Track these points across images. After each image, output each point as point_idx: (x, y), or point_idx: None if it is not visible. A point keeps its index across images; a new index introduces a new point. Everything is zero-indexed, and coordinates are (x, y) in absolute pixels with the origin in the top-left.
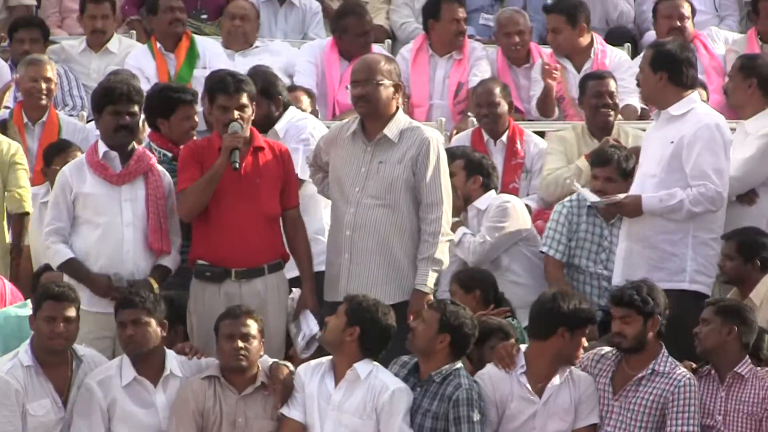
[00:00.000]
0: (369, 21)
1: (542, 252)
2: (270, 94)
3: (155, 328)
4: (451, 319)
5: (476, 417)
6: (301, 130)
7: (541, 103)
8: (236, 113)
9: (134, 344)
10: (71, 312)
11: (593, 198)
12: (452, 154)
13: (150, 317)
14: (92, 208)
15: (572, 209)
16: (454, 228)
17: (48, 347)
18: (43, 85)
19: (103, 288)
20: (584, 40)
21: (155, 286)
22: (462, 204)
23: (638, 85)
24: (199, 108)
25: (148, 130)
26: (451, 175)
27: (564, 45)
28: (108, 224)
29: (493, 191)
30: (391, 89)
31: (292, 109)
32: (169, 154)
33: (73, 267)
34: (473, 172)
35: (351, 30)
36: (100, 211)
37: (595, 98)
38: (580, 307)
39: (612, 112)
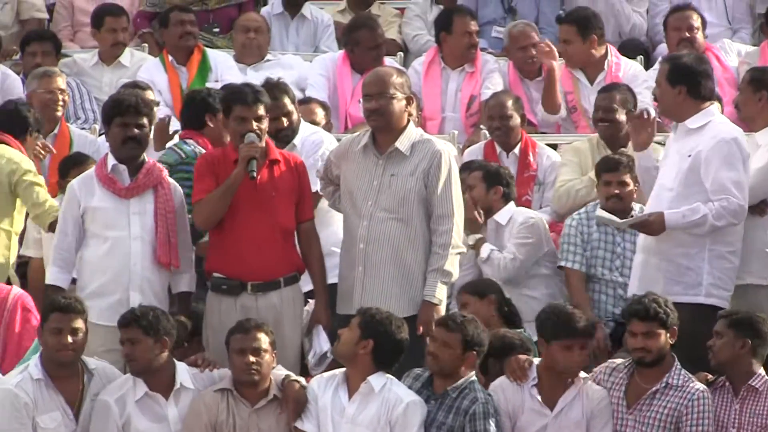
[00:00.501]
0: (381, 34)
1: (560, 267)
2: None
3: (152, 347)
4: (474, 338)
5: (492, 430)
6: (316, 145)
7: (546, 96)
8: (254, 124)
9: (132, 363)
10: (78, 323)
11: (618, 221)
12: (468, 167)
13: (146, 336)
14: (101, 222)
15: (581, 220)
16: (478, 245)
17: (56, 359)
18: (59, 96)
19: None
20: (597, 52)
21: (185, 322)
22: (482, 219)
23: (655, 99)
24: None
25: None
26: (470, 188)
27: (575, 56)
28: (116, 238)
29: (512, 203)
30: (403, 102)
31: (303, 122)
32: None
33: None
34: (493, 183)
35: (363, 43)
36: (109, 224)
37: (596, 112)
38: (559, 322)
39: (611, 125)
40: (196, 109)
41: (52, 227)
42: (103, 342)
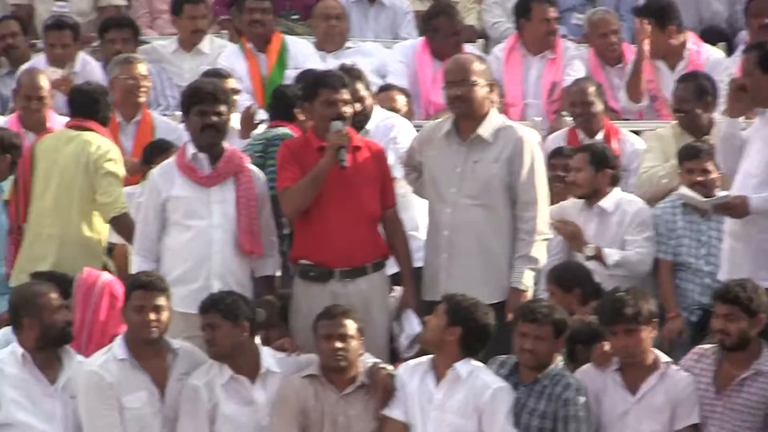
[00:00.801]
0: (460, 21)
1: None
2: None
3: (231, 331)
4: (562, 323)
5: (583, 414)
6: (389, 128)
7: (630, 84)
8: (341, 107)
9: (212, 348)
10: (161, 301)
11: (701, 199)
12: (558, 152)
13: (225, 320)
14: (182, 211)
15: (666, 209)
16: (599, 253)
17: (139, 337)
18: (141, 82)
19: None
20: (676, 41)
21: (273, 301)
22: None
23: (735, 87)
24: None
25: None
26: (577, 170)
27: (654, 48)
28: (197, 227)
29: (617, 189)
30: (486, 89)
31: (378, 108)
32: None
33: None
34: (601, 166)
35: (442, 30)
36: (190, 213)
37: (673, 102)
38: (605, 307)
39: (686, 116)
40: (286, 102)
41: (113, 222)
42: (185, 329)
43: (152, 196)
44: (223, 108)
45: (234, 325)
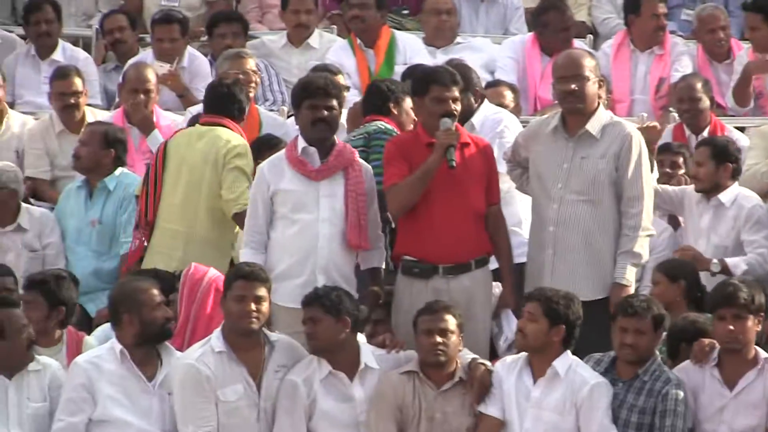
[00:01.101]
0: (570, 16)
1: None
2: (468, 86)
3: (333, 326)
4: (661, 316)
5: (681, 409)
6: (496, 123)
7: (738, 90)
8: (451, 105)
9: (313, 341)
10: (262, 291)
11: None
12: (667, 148)
13: (327, 314)
14: (290, 205)
15: None
16: (724, 265)
17: (239, 327)
18: (252, 78)
19: None
20: None
21: (379, 292)
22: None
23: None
24: None
25: None
26: (699, 164)
27: (762, 42)
28: (304, 220)
29: (736, 183)
30: (596, 85)
31: (487, 102)
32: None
33: None
34: (722, 160)
35: (551, 25)
36: (298, 207)
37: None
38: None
39: None
40: (382, 97)
41: (235, 218)
42: (290, 323)
43: (261, 190)
44: (334, 102)
45: (336, 320)
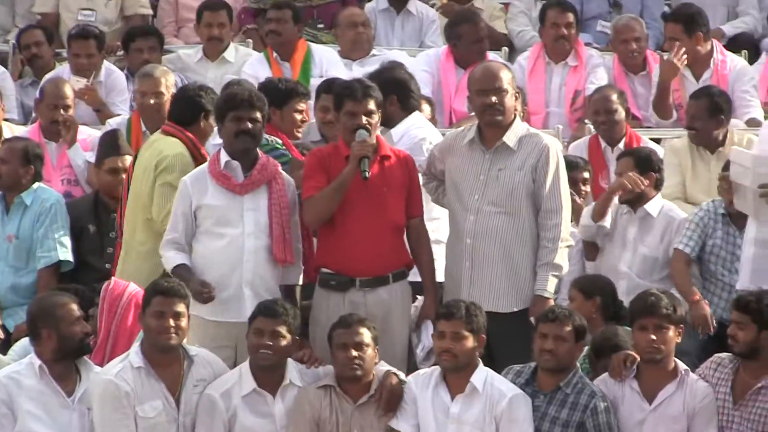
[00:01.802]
0: (483, 28)
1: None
2: (403, 94)
3: (289, 343)
4: (582, 327)
5: (613, 421)
6: (414, 140)
7: (658, 103)
8: (364, 119)
9: (268, 356)
10: (180, 307)
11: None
12: (574, 165)
13: (288, 332)
14: (214, 219)
15: (708, 213)
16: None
17: (158, 343)
18: (152, 101)
19: (195, 292)
20: (702, 49)
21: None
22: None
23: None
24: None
25: None
26: (620, 176)
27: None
28: (229, 235)
29: (659, 195)
30: (513, 97)
31: (417, 115)
32: (280, 141)
33: (180, 273)
34: (646, 169)
35: (465, 37)
36: (222, 221)
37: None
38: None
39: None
40: (191, 107)
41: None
42: (214, 338)
43: (183, 203)
44: (258, 114)
45: (292, 336)
